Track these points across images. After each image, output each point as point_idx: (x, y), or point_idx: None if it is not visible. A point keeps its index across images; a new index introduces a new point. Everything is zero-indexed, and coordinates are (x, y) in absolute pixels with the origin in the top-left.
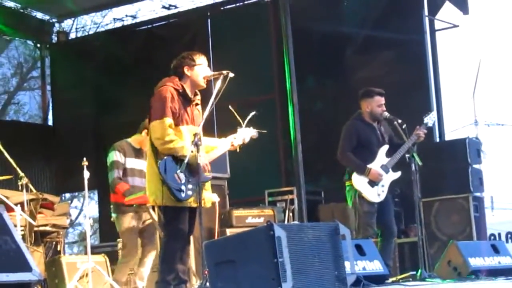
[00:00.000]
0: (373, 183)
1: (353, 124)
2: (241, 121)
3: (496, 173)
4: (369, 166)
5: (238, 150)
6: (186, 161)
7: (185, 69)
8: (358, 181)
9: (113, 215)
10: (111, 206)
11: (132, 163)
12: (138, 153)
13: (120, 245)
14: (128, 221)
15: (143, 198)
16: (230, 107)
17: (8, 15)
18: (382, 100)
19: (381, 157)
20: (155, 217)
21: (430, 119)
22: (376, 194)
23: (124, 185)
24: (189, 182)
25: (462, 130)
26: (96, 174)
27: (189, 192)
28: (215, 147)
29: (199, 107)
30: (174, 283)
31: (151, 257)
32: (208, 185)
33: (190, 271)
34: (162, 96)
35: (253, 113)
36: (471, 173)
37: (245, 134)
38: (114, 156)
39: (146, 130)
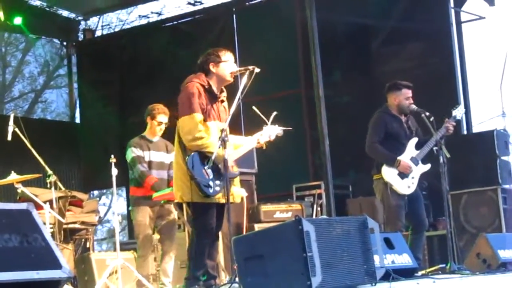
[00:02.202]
0: (403, 175)
1: (380, 117)
2: (265, 119)
3: None
4: (398, 157)
5: (264, 147)
6: (213, 157)
7: (211, 66)
8: (388, 174)
9: (130, 208)
10: (130, 200)
11: (149, 156)
12: (154, 145)
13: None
14: (142, 214)
15: (170, 195)
16: (253, 107)
17: (34, 14)
18: (409, 93)
19: (411, 149)
20: (181, 214)
21: (459, 111)
22: (406, 186)
23: (152, 177)
24: (217, 178)
25: (490, 122)
26: (124, 171)
27: (217, 188)
28: (241, 145)
29: (225, 103)
30: (203, 278)
31: (173, 253)
32: (237, 180)
33: (219, 266)
34: (189, 92)
35: (274, 113)
36: (500, 165)
37: (271, 132)
38: (132, 152)
39: (149, 116)
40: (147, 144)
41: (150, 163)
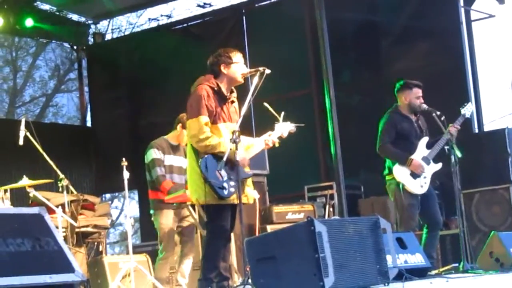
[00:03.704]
0: (415, 175)
1: (391, 117)
2: (277, 115)
3: None
4: (411, 157)
5: (276, 145)
6: (225, 158)
7: (222, 67)
8: (400, 174)
9: (151, 211)
10: (150, 203)
11: (170, 160)
12: (176, 149)
13: None
14: (166, 218)
15: (183, 197)
16: (265, 104)
17: (44, 18)
18: (420, 92)
19: (422, 149)
20: (195, 216)
21: (467, 110)
22: (419, 186)
23: (169, 182)
24: (231, 179)
25: (501, 120)
26: (136, 174)
27: (232, 189)
28: (252, 146)
29: (236, 104)
30: (216, 280)
31: (192, 255)
32: (249, 181)
33: (232, 268)
34: (197, 94)
35: (282, 113)
36: (511, 163)
37: (283, 129)
38: (153, 154)
39: (180, 124)
40: (169, 148)
41: (171, 167)
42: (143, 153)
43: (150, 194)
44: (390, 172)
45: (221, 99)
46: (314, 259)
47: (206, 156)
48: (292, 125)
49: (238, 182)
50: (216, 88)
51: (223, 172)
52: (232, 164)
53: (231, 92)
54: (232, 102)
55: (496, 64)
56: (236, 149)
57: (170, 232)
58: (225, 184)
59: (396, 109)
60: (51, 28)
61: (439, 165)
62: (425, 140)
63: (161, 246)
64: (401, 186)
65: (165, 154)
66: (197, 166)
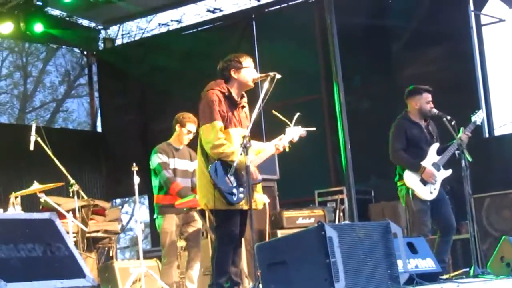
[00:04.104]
0: (425, 181)
1: (401, 123)
2: (287, 121)
3: None
4: (422, 164)
5: (287, 150)
6: (235, 164)
7: (232, 72)
8: (411, 179)
9: (155, 216)
10: (154, 208)
11: (174, 164)
12: (180, 153)
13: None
14: (168, 222)
15: (193, 202)
16: (273, 112)
17: (54, 23)
18: (430, 96)
19: (432, 155)
20: (203, 221)
21: (478, 117)
22: (428, 192)
23: (178, 184)
24: (240, 185)
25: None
26: (146, 179)
27: (241, 195)
28: (262, 150)
29: (246, 109)
30: (227, 285)
31: (198, 260)
32: (259, 187)
33: (242, 273)
34: (209, 100)
35: (297, 114)
36: None
37: (294, 133)
38: (158, 158)
39: (178, 124)
40: (173, 152)
41: (174, 171)
42: None
43: (156, 199)
44: (401, 178)
45: (232, 104)
46: (325, 264)
47: (216, 161)
48: (302, 130)
49: (249, 187)
50: (226, 93)
51: (232, 178)
52: (241, 170)
53: (242, 97)
54: (243, 107)
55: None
56: (247, 154)
57: (172, 237)
58: (234, 190)
59: (405, 115)
60: (62, 33)
61: (449, 172)
62: (435, 146)
63: (163, 251)
64: (410, 192)
65: (169, 157)
66: (206, 171)
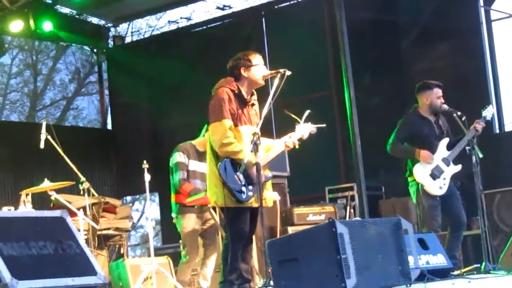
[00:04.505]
0: (435, 175)
1: (408, 118)
2: (297, 118)
3: None
4: (417, 149)
5: (297, 147)
6: (245, 161)
7: (242, 70)
8: (420, 175)
9: (173, 215)
10: (172, 207)
11: (194, 165)
12: (201, 155)
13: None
14: (189, 221)
15: (204, 199)
16: (285, 110)
17: (64, 21)
18: (440, 92)
19: (442, 150)
20: (217, 218)
21: (488, 112)
22: (438, 187)
23: (189, 185)
24: (249, 183)
25: None
26: (156, 176)
27: (250, 193)
28: (272, 147)
29: (256, 107)
30: (238, 282)
31: (214, 257)
32: (269, 184)
33: (253, 270)
34: (219, 98)
35: (308, 111)
36: None
37: (304, 130)
38: (178, 157)
39: (207, 132)
40: (195, 153)
41: (194, 173)
42: (163, 156)
43: (174, 198)
44: (411, 173)
45: (242, 102)
46: (336, 260)
47: (225, 159)
48: (312, 126)
49: (259, 184)
50: (236, 91)
51: (241, 176)
52: (250, 169)
53: (252, 94)
54: (253, 105)
55: None
56: (257, 151)
57: (193, 235)
58: (243, 188)
59: (415, 111)
60: (71, 31)
61: (458, 167)
62: (445, 141)
63: (184, 250)
64: (420, 187)
65: (190, 159)
66: (216, 169)
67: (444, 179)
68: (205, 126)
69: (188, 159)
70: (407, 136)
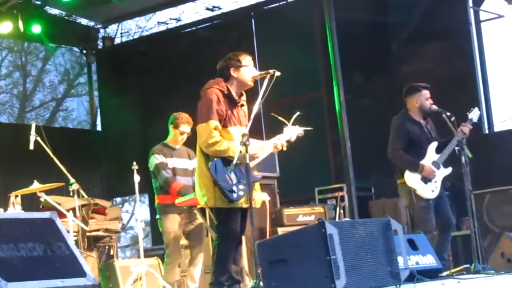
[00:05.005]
0: (426, 179)
1: (402, 122)
2: (285, 121)
3: None
4: (421, 162)
5: (285, 149)
6: (234, 161)
7: (231, 71)
8: (411, 179)
9: (157, 216)
10: (156, 209)
11: (173, 163)
12: (177, 152)
13: None
14: (172, 222)
15: (193, 200)
16: (272, 113)
17: (53, 22)
18: (428, 93)
19: (431, 153)
20: (204, 219)
21: (474, 114)
22: (430, 191)
23: (178, 183)
24: (240, 182)
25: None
26: (146, 177)
27: (241, 193)
28: (261, 148)
29: (245, 108)
30: (228, 283)
31: (201, 258)
32: (257, 185)
33: (243, 271)
34: (207, 98)
35: (297, 113)
36: None
37: (291, 132)
38: (155, 159)
39: (172, 125)
40: (170, 152)
41: (174, 170)
42: None
43: (156, 199)
44: (402, 176)
45: (231, 102)
46: (325, 261)
47: (215, 159)
48: (300, 129)
49: (249, 186)
50: (226, 92)
51: (232, 176)
52: (241, 168)
53: (241, 95)
54: (242, 105)
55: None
56: (246, 152)
57: (176, 237)
58: (234, 188)
59: (406, 115)
60: (60, 32)
61: (449, 169)
62: (434, 144)
63: (167, 251)
64: (412, 191)
65: (167, 157)
66: (206, 169)
67: (436, 182)
68: (170, 120)
69: (165, 158)
70: (405, 142)
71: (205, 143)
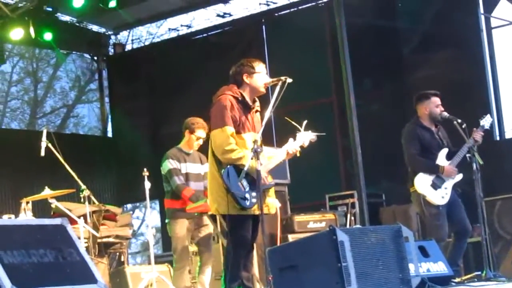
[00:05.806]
0: (436, 186)
1: (413, 128)
2: (298, 126)
3: None
4: (439, 164)
5: (298, 155)
6: (245, 168)
7: (244, 77)
8: (421, 185)
9: (166, 220)
10: (165, 212)
11: (186, 168)
12: (190, 157)
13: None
14: (180, 226)
15: (204, 207)
16: (286, 118)
17: (64, 29)
18: (438, 100)
19: (441, 160)
20: (215, 226)
21: (487, 121)
22: (440, 197)
23: (189, 189)
24: (253, 189)
25: None
26: (157, 183)
27: (254, 200)
28: (273, 156)
29: (259, 114)
30: None
31: (210, 264)
32: (272, 191)
33: (254, 277)
34: (221, 105)
35: (305, 122)
36: None
37: (304, 138)
38: (169, 164)
39: (187, 130)
40: (184, 156)
41: (187, 175)
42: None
43: (166, 203)
44: (413, 184)
45: (245, 108)
46: (336, 268)
47: (228, 166)
48: (312, 135)
49: (260, 192)
50: (240, 98)
51: (245, 183)
52: (253, 174)
53: (254, 101)
54: (256, 111)
55: None
56: (257, 158)
57: (183, 242)
58: (247, 195)
59: (417, 121)
60: (72, 39)
61: (459, 176)
62: (444, 151)
63: (175, 256)
64: (422, 197)
65: (181, 163)
66: (218, 175)
67: (446, 188)
68: (185, 125)
69: (179, 163)
70: (419, 148)
71: (221, 148)
